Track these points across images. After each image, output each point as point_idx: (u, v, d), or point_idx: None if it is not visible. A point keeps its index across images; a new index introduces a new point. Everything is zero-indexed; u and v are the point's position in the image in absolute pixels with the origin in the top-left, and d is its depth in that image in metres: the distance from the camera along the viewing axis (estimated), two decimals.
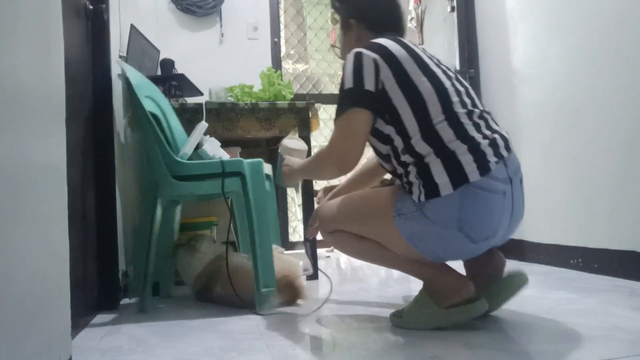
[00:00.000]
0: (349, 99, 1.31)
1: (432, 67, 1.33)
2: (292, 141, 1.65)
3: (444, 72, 1.34)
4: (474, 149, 1.22)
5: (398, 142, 1.30)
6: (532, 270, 2.23)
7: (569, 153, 2.23)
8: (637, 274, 1.83)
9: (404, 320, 1.33)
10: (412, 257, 1.32)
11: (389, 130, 1.31)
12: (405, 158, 1.28)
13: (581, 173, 2.16)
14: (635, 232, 1.87)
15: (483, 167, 1.21)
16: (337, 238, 1.42)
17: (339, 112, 1.32)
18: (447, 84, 1.31)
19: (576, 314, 1.39)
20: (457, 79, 1.38)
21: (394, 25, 1.48)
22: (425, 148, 1.24)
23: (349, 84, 1.31)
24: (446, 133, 1.24)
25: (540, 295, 1.67)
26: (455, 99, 1.29)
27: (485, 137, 1.25)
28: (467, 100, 1.32)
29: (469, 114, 1.28)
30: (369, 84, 1.29)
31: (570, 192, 2.23)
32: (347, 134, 1.30)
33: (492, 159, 1.22)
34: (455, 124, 1.25)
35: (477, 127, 1.27)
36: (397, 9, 1.51)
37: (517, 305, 1.54)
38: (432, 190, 1.22)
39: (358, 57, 1.32)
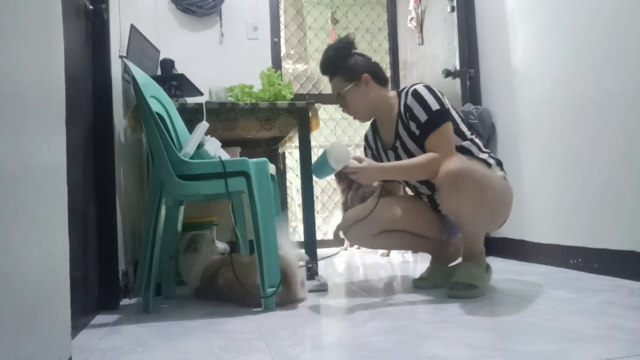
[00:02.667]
0: (440, 116, 1.77)
1: None
2: (342, 148, 1.72)
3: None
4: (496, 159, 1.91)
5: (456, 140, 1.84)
6: (532, 270, 2.23)
7: (569, 153, 2.23)
8: (637, 274, 1.83)
9: (481, 289, 1.72)
10: (494, 216, 1.82)
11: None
12: (466, 144, 1.85)
13: (581, 173, 2.16)
14: (635, 232, 1.87)
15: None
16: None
17: (436, 126, 1.76)
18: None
19: (576, 314, 1.39)
20: None
21: (387, 77, 1.99)
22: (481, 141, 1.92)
23: (435, 106, 1.77)
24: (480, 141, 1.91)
25: (540, 295, 1.67)
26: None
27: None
28: None
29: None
30: (447, 105, 1.81)
31: (570, 192, 2.23)
32: (452, 143, 1.78)
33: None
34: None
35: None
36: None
37: (517, 305, 1.54)
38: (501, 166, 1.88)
39: (430, 89, 1.81)
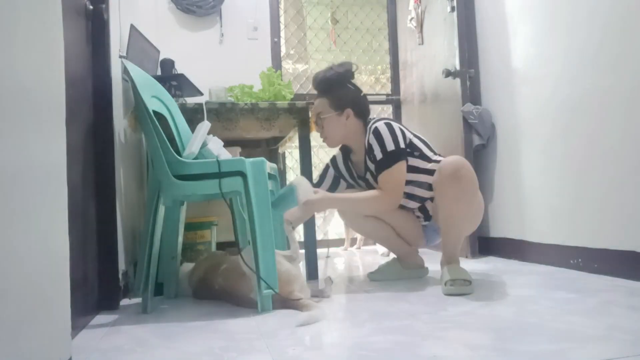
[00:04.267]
0: (394, 156, 1.94)
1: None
2: (306, 183, 1.90)
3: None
4: None
5: (422, 163, 2.01)
6: (532, 271, 2.23)
7: (568, 153, 2.23)
8: (637, 274, 1.83)
9: (473, 285, 1.79)
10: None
11: (417, 161, 2.01)
12: (431, 166, 2.01)
13: (581, 173, 2.16)
14: (635, 232, 1.87)
15: None
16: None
17: (387, 166, 1.93)
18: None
19: (576, 314, 1.39)
20: None
21: (369, 112, 2.13)
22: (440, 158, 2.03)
23: (390, 146, 1.94)
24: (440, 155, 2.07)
25: (540, 295, 1.67)
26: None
27: None
28: None
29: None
30: (402, 143, 1.96)
31: (570, 192, 2.23)
32: (399, 183, 1.95)
33: None
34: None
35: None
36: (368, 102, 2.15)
37: (517, 305, 1.54)
38: None
39: (390, 127, 1.96)
